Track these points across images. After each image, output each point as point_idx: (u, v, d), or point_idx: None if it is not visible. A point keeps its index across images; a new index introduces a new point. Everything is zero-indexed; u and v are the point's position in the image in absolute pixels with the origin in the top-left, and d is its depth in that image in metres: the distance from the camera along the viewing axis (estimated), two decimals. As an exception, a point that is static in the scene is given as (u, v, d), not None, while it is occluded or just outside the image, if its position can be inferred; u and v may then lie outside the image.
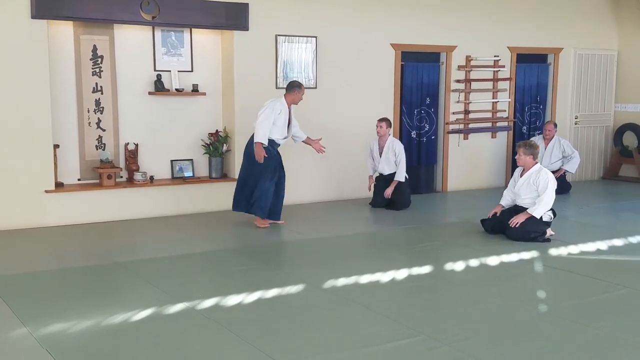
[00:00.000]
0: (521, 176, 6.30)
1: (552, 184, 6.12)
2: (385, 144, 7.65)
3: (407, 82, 8.63)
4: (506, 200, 6.47)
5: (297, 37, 7.78)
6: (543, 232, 6.11)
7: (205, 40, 7.58)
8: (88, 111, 7.04)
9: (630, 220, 7.25)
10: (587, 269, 5.22)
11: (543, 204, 6.06)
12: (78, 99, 6.98)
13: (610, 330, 3.90)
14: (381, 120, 7.67)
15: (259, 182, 6.52)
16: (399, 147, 7.65)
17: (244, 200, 6.66)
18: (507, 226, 6.15)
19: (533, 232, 6.05)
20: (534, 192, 6.17)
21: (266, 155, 6.43)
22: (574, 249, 5.85)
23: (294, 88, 6.58)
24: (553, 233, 6.20)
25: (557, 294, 4.59)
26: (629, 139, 10.10)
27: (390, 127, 7.76)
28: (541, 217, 6.08)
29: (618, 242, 6.11)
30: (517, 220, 6.08)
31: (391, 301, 4.44)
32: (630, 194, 8.94)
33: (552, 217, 6.19)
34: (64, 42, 6.88)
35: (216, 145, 7.49)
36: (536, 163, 6.26)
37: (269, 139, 6.46)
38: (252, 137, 6.52)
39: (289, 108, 6.60)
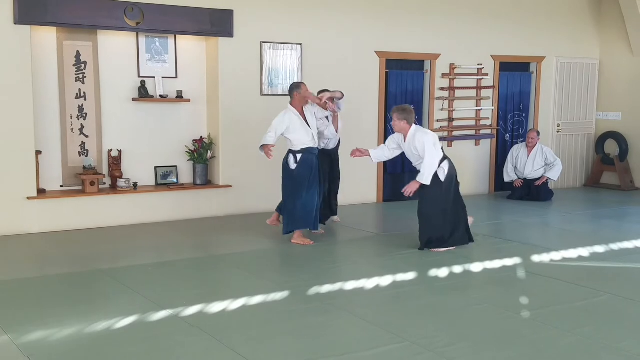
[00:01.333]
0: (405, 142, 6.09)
1: (429, 144, 5.86)
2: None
3: (392, 90, 8.67)
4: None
5: (282, 44, 7.79)
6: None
7: (189, 46, 7.57)
8: (71, 117, 6.99)
9: (612, 227, 7.33)
10: (569, 275, 5.26)
11: (427, 168, 5.85)
12: (61, 105, 6.94)
13: (592, 335, 3.93)
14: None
15: (293, 197, 6.27)
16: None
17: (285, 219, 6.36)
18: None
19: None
20: (418, 157, 5.99)
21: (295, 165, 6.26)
22: (556, 255, 5.89)
23: (292, 91, 6.34)
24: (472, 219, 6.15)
25: (540, 300, 4.62)
26: (611, 147, 10.22)
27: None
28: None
29: (600, 249, 6.17)
30: (409, 189, 5.95)
31: (375, 307, 4.45)
32: (612, 201, 9.04)
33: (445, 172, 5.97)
34: (47, 48, 6.84)
35: (200, 152, 7.47)
36: (411, 127, 6.00)
37: (302, 148, 6.24)
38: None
39: (300, 112, 6.30)
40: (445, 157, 6.07)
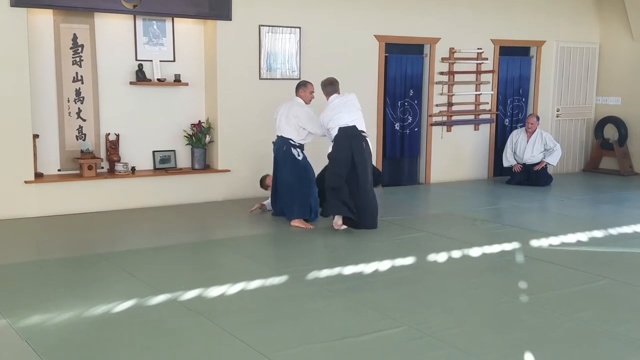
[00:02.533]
0: None
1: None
2: None
3: (391, 74, 8.63)
4: None
5: (280, 28, 7.73)
6: None
7: (187, 29, 7.51)
8: (68, 101, 6.95)
9: (610, 212, 7.33)
10: (568, 260, 5.27)
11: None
12: (58, 89, 6.89)
13: (590, 320, 3.94)
14: None
15: (308, 186, 6.47)
16: None
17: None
18: None
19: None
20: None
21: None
22: (554, 240, 5.90)
23: (298, 89, 6.53)
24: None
25: (538, 285, 4.63)
26: (610, 132, 10.20)
27: None
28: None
29: (598, 233, 6.17)
30: None
31: (374, 292, 4.45)
32: (611, 186, 9.04)
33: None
34: (44, 30, 6.78)
35: (199, 136, 7.44)
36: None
37: (302, 143, 6.47)
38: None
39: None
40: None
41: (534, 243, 5.79)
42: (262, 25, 7.62)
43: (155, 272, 4.87)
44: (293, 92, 7.85)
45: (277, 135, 6.53)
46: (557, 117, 10.16)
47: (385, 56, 8.54)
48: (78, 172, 6.95)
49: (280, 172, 6.49)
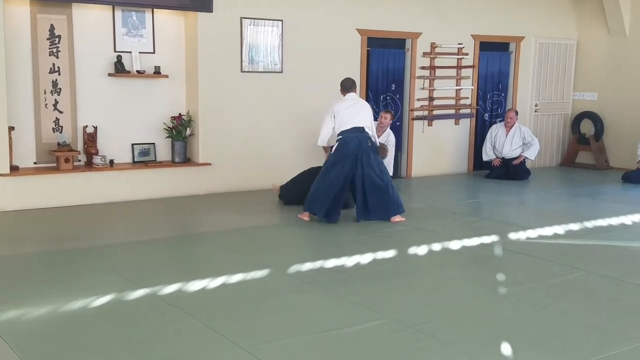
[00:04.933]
0: None
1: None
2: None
3: (373, 68, 8.64)
4: None
5: (262, 21, 7.69)
6: None
7: (167, 21, 7.44)
8: (45, 92, 6.85)
9: (587, 205, 7.43)
10: (545, 252, 5.33)
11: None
12: (34, 80, 6.79)
13: (566, 311, 3.99)
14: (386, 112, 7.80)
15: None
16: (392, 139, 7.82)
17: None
18: None
19: None
20: None
21: None
22: (532, 233, 5.96)
23: (354, 86, 6.56)
24: None
25: (516, 277, 4.68)
26: (586, 127, 10.33)
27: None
28: None
29: (575, 226, 6.26)
30: None
31: (356, 285, 4.46)
32: (587, 180, 9.16)
33: None
34: (20, 21, 6.66)
35: (179, 129, 7.38)
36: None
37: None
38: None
39: None
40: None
41: (512, 236, 5.85)
42: (244, 18, 7.57)
43: (135, 266, 4.83)
44: (276, 85, 7.86)
45: (351, 128, 6.22)
46: (535, 112, 10.26)
47: (368, 50, 8.54)
48: (55, 165, 6.85)
49: (367, 171, 6.18)
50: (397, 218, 6.34)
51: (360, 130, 6.25)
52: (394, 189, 6.38)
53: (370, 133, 6.33)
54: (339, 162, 6.21)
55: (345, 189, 6.24)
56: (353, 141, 6.20)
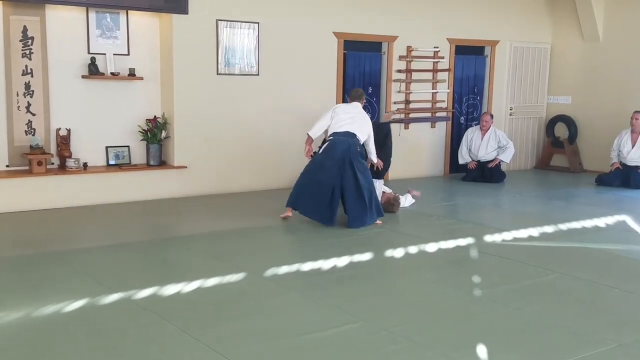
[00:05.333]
0: None
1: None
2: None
3: (350, 71, 8.65)
4: None
5: (238, 23, 7.66)
6: None
7: (142, 22, 7.37)
8: (17, 94, 6.75)
9: (561, 208, 7.52)
10: (520, 255, 5.38)
11: None
12: (7, 82, 6.68)
13: (540, 313, 4.03)
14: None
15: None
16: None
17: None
18: None
19: None
20: None
21: None
22: (507, 235, 6.01)
23: (361, 97, 6.67)
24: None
25: (491, 279, 4.71)
26: (560, 130, 10.46)
27: None
28: None
29: (549, 229, 6.32)
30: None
31: (332, 288, 4.45)
32: (561, 182, 9.27)
33: None
34: (-8, 21, 6.57)
35: (154, 131, 7.32)
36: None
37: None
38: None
39: None
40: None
41: (488, 238, 5.89)
42: (219, 20, 7.54)
43: (109, 270, 4.77)
44: (252, 88, 7.84)
45: (344, 132, 6.26)
46: (510, 115, 10.37)
47: (344, 53, 8.56)
48: (27, 168, 6.75)
49: (360, 176, 6.17)
50: (377, 221, 6.37)
51: (351, 136, 6.27)
52: (376, 193, 6.43)
53: (359, 143, 6.32)
54: (326, 164, 6.17)
55: (338, 191, 6.18)
56: (342, 144, 6.20)
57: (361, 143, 6.37)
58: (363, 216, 6.17)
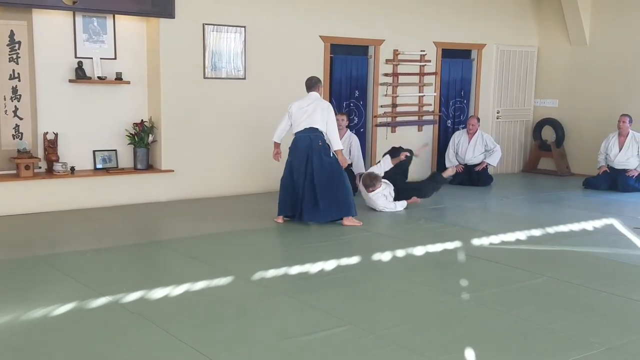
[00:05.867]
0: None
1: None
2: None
3: (337, 75, 8.67)
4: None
5: (225, 27, 7.66)
6: None
7: (129, 27, 7.35)
8: (4, 99, 6.71)
9: (548, 211, 7.56)
10: (507, 258, 5.41)
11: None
12: (-7, 86, 6.65)
13: (528, 316, 4.05)
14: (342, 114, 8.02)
15: (342, 183, 6.43)
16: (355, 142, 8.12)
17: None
18: None
19: None
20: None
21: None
22: (495, 239, 6.04)
23: (315, 85, 6.51)
24: None
25: (479, 283, 4.73)
26: (547, 133, 10.53)
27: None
28: None
29: (536, 232, 6.36)
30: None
31: (320, 292, 4.46)
32: (548, 186, 9.33)
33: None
34: (-23, 25, 6.53)
35: (141, 135, 7.29)
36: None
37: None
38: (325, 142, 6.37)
39: None
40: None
41: (475, 242, 5.92)
42: (206, 24, 7.53)
43: (96, 274, 4.75)
44: (239, 92, 7.84)
45: (304, 129, 6.31)
46: (497, 118, 10.43)
47: (331, 57, 8.58)
48: (15, 172, 6.71)
49: (316, 171, 6.28)
50: (349, 221, 6.41)
51: (312, 131, 6.33)
52: (346, 190, 6.41)
53: (324, 134, 6.35)
54: (294, 164, 6.38)
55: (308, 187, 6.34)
56: (303, 141, 6.32)
57: (325, 135, 6.38)
58: (315, 211, 6.34)
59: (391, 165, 7.51)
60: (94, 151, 7.24)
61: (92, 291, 4.30)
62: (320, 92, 6.55)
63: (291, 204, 6.43)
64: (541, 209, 7.75)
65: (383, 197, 7.13)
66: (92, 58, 7.11)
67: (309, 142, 6.29)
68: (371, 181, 7.05)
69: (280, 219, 6.51)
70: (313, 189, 6.31)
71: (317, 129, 6.31)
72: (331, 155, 6.37)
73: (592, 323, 3.99)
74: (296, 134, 6.40)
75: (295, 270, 4.92)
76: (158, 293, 4.31)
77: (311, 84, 6.51)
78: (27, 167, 6.64)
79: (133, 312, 3.96)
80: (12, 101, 6.75)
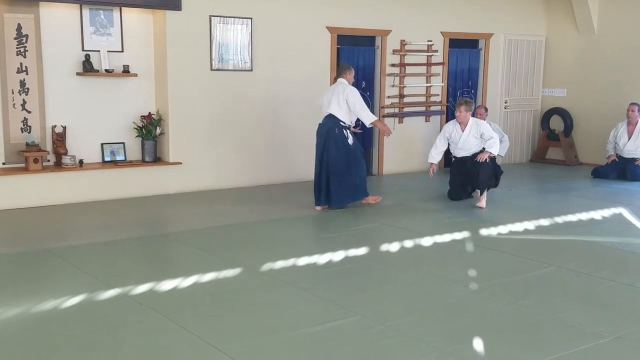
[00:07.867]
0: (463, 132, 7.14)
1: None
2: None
3: (343, 66, 8.64)
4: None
5: (232, 19, 7.66)
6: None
7: (136, 19, 7.36)
8: (12, 92, 6.73)
9: (556, 201, 7.54)
10: (516, 248, 5.40)
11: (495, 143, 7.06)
12: (2, 80, 6.67)
13: (536, 306, 4.05)
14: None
15: (356, 168, 6.65)
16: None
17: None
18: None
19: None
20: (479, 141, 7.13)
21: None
22: (503, 229, 6.04)
23: (344, 71, 6.67)
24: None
25: (487, 273, 4.73)
26: (556, 123, 10.48)
27: None
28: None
29: (545, 222, 6.34)
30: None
31: (328, 283, 4.47)
32: (557, 175, 9.29)
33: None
34: (-15, 19, 6.55)
35: (149, 128, 7.31)
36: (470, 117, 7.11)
37: (344, 122, 6.58)
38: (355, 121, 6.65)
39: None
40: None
41: (483, 232, 5.91)
42: (212, 16, 7.53)
43: (105, 266, 4.78)
44: (246, 83, 7.85)
45: (325, 116, 6.59)
46: (505, 108, 10.38)
47: (338, 48, 8.55)
48: (23, 165, 6.74)
49: (331, 157, 6.49)
50: (370, 199, 6.75)
51: (331, 118, 6.54)
52: (359, 178, 6.62)
53: (341, 120, 6.50)
54: (318, 151, 6.61)
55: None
56: (323, 127, 6.58)
57: (346, 120, 6.54)
58: (328, 197, 6.57)
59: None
60: (102, 144, 7.26)
61: (101, 283, 4.33)
62: (348, 78, 6.67)
63: (317, 190, 6.65)
64: (549, 198, 7.72)
65: (474, 138, 7.16)
66: (99, 51, 7.12)
67: (326, 129, 6.54)
68: (466, 103, 7.12)
69: (319, 208, 6.68)
70: (327, 175, 6.52)
71: (334, 115, 6.51)
72: (350, 142, 6.52)
73: (600, 312, 3.98)
74: (322, 120, 6.65)
75: (303, 261, 4.93)
76: (167, 285, 4.34)
77: (339, 71, 6.76)
78: (35, 161, 6.67)
79: (142, 304, 3.99)
80: (20, 94, 6.78)
